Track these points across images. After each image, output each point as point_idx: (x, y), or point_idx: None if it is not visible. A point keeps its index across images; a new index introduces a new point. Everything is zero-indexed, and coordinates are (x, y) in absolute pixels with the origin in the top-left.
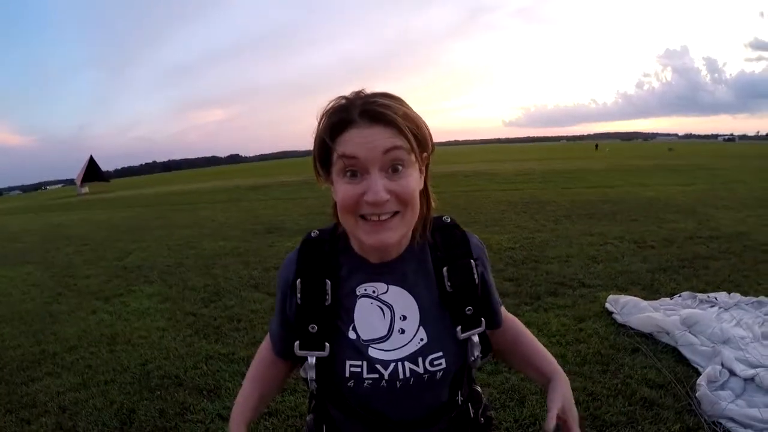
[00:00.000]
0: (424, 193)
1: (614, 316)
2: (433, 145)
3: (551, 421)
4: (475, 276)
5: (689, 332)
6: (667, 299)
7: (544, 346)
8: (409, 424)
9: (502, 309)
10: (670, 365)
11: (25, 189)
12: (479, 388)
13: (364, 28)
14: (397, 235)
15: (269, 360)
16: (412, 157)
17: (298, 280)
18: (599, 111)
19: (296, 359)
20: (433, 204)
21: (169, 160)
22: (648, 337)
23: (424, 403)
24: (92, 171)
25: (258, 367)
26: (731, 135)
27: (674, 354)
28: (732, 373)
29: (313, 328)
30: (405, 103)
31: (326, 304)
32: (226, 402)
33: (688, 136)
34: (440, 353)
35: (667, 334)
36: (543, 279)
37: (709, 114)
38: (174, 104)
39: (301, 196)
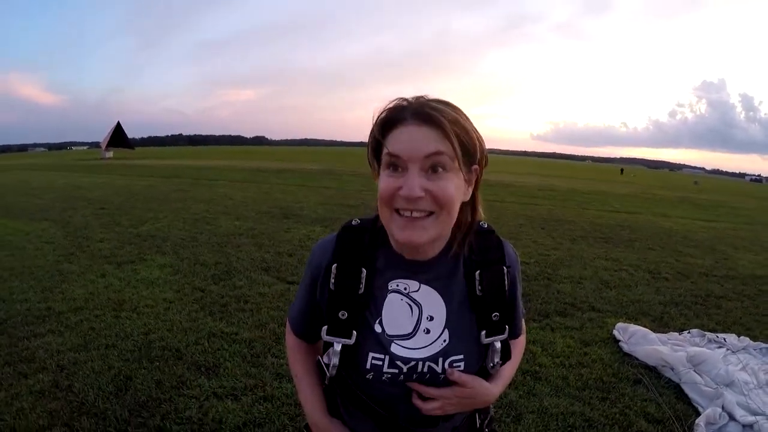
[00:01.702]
0: (470, 203)
1: (621, 344)
2: (487, 158)
3: (455, 373)
4: (506, 283)
5: (694, 371)
6: (676, 334)
7: (548, 365)
8: (415, 424)
9: (522, 323)
10: (671, 401)
11: (51, 147)
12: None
13: (402, 24)
14: (427, 235)
15: (304, 348)
16: (455, 163)
17: (335, 265)
18: (629, 135)
19: (316, 340)
20: (481, 214)
21: (195, 135)
22: (652, 370)
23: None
24: (118, 136)
25: (305, 360)
26: (758, 176)
27: (676, 390)
28: (732, 417)
29: (343, 314)
30: (461, 111)
31: (359, 292)
32: (223, 381)
33: (716, 172)
34: (461, 356)
35: (672, 369)
36: (553, 298)
37: (739, 151)
38: (205, 80)
39: (322, 185)
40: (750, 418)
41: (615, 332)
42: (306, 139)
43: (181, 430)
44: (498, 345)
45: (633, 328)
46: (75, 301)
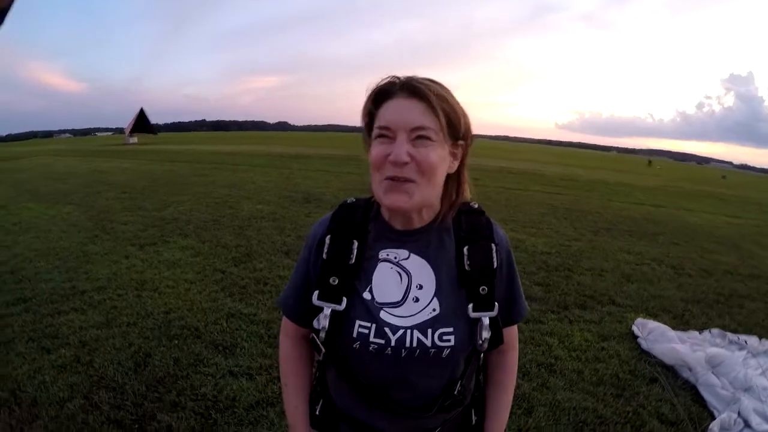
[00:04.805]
0: (455, 178)
1: (639, 340)
2: (472, 136)
3: None
4: (494, 259)
5: (712, 372)
6: (696, 333)
7: (564, 359)
8: (407, 408)
9: (514, 333)
10: (686, 403)
11: (75, 133)
12: None
13: (426, 12)
14: (411, 200)
15: (299, 357)
16: (440, 135)
17: (328, 237)
18: (655, 126)
19: (309, 322)
20: (467, 193)
21: (218, 120)
22: (669, 369)
23: (425, 382)
24: (141, 122)
25: (298, 371)
26: None
27: (692, 392)
28: (747, 424)
29: (334, 280)
30: (446, 89)
31: (350, 262)
32: (240, 360)
33: (743, 167)
34: (450, 329)
35: (689, 369)
36: (573, 289)
37: (767, 146)
38: (229, 66)
39: (343, 170)
40: (766, 426)
41: (634, 328)
42: (329, 125)
43: (195, 407)
44: (486, 321)
45: (652, 324)
46: (98, 280)
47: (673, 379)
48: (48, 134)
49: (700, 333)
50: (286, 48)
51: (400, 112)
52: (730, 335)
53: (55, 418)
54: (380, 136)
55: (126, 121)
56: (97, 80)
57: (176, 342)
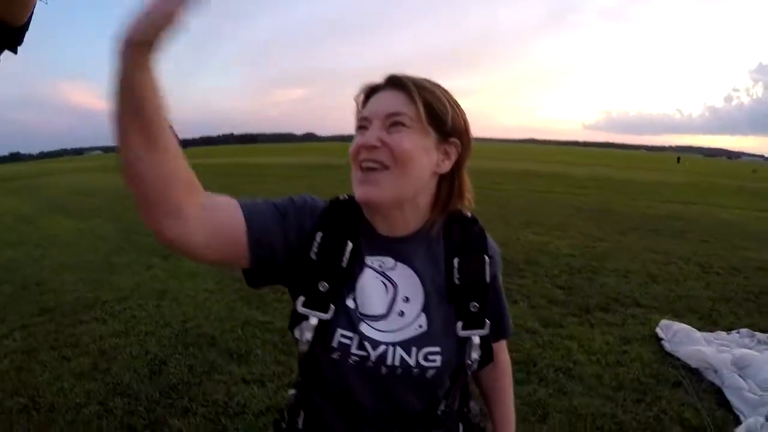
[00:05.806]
0: (449, 181)
1: (663, 342)
2: (468, 137)
3: None
4: (487, 273)
5: (738, 374)
6: (723, 333)
7: (583, 363)
8: (384, 421)
9: (503, 347)
10: (711, 407)
11: (106, 149)
12: (475, 406)
13: (448, 18)
14: (383, 192)
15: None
16: (419, 124)
17: (319, 234)
18: (684, 122)
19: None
20: (467, 201)
21: (245, 134)
22: (694, 372)
23: (405, 402)
24: None
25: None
26: None
27: (718, 395)
28: None
29: (324, 286)
30: (438, 85)
31: (343, 266)
32: (253, 367)
33: None
34: (437, 348)
35: (715, 372)
36: (596, 291)
37: None
38: (255, 80)
39: None
40: None
41: (658, 330)
42: (353, 134)
43: (206, 412)
44: (476, 340)
45: (677, 326)
46: (121, 290)
47: (697, 382)
48: (78, 151)
49: (728, 333)
50: (310, 60)
51: (378, 102)
52: (759, 335)
53: (71, 423)
54: (360, 127)
55: None
56: None
57: (191, 350)
